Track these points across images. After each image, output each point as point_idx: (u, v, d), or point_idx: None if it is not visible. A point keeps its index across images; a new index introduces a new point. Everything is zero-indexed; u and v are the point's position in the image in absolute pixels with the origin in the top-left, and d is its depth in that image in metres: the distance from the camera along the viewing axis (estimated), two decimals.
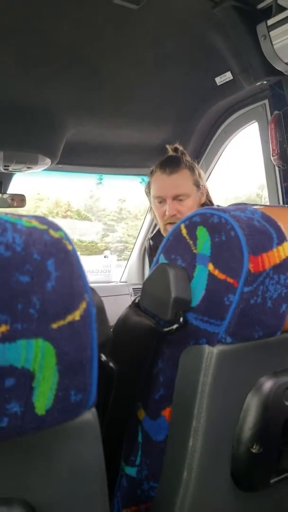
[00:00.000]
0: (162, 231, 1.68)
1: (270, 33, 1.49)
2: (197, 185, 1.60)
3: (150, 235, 1.89)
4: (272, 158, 1.82)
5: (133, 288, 2.43)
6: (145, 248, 2.48)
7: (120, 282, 2.60)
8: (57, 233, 0.36)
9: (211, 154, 2.14)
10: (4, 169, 1.86)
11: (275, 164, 1.84)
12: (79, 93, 1.76)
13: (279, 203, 1.86)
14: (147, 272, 2.50)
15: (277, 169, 1.86)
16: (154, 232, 1.87)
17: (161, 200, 1.59)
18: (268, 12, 1.51)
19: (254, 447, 0.54)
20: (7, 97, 1.68)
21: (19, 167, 1.86)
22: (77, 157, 2.06)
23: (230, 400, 0.55)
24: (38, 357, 0.33)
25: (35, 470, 0.38)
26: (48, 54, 1.54)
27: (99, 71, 1.69)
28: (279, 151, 1.78)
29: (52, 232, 0.36)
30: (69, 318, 0.35)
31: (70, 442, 0.40)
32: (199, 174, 1.62)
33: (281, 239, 0.55)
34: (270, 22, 1.48)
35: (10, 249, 0.33)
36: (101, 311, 0.43)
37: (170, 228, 1.56)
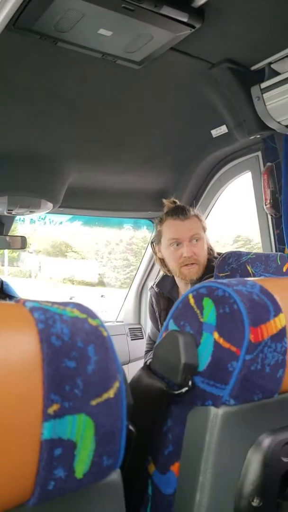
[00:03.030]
0: (177, 274, 1.73)
1: (264, 95, 1.59)
2: (204, 230, 1.73)
3: (154, 282, 1.94)
4: (265, 207, 1.92)
5: (129, 328, 2.46)
6: (141, 288, 2.54)
7: (116, 322, 2.64)
8: (95, 321, 0.43)
9: (206, 200, 2.23)
10: (8, 213, 1.93)
11: (267, 212, 1.93)
12: (81, 142, 1.85)
13: (271, 249, 1.95)
14: (143, 313, 2.55)
15: (269, 217, 1.96)
16: (158, 279, 1.93)
17: (178, 243, 1.68)
18: (261, 74, 1.61)
19: (254, 500, 0.60)
20: (14, 145, 1.76)
21: (22, 211, 1.94)
22: (78, 201, 2.13)
23: (234, 457, 0.61)
24: (80, 429, 0.40)
25: None
26: (53, 106, 1.62)
27: (100, 122, 1.77)
28: (271, 201, 1.88)
29: (90, 320, 0.43)
30: (105, 396, 0.41)
31: (99, 499, 0.45)
32: (203, 222, 1.75)
33: (277, 311, 0.62)
34: (264, 85, 1.58)
35: (60, 339, 0.39)
36: (125, 383, 0.49)
37: (185, 270, 1.66)
